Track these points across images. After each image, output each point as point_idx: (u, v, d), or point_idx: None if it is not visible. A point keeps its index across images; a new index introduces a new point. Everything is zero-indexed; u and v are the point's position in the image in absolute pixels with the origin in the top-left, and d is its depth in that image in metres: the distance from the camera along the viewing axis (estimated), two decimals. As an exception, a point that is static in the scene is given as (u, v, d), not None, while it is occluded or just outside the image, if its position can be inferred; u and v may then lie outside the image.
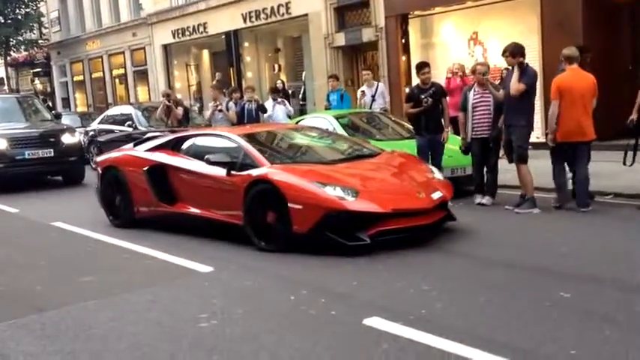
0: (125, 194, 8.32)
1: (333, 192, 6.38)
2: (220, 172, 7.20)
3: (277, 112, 12.97)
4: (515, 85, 7.91)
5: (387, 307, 4.73)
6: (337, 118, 10.75)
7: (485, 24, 14.60)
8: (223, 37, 21.57)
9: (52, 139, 13.08)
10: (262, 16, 19.81)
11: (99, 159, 9.31)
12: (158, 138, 8.81)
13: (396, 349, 4.01)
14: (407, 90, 11.16)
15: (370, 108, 12.60)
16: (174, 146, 8.25)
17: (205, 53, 24.32)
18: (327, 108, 13.27)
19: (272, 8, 19.39)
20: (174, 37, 23.72)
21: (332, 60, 17.82)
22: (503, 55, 8.34)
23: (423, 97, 8.94)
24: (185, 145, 8.18)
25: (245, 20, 20.38)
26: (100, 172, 8.84)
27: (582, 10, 12.29)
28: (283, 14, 19.15)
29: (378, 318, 4.48)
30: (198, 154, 7.81)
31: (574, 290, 4.90)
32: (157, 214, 8.02)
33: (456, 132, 11.06)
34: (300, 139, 8.42)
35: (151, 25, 24.59)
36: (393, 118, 11.75)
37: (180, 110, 13.60)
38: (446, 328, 4.26)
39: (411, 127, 9.80)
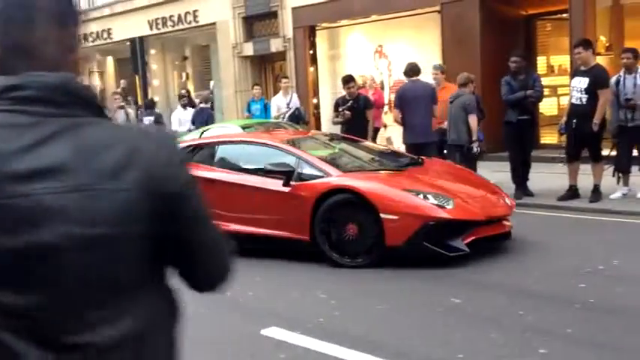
0: None
1: (428, 200, 5.96)
2: (271, 182, 6.38)
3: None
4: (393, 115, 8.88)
5: (285, 317, 4.79)
6: (243, 127, 10.74)
7: (390, 37, 14.98)
8: (128, 43, 21.09)
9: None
10: (169, 23, 19.53)
11: None
12: None
13: (294, 357, 4.06)
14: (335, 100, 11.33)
15: (285, 117, 12.29)
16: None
17: (110, 60, 23.72)
18: (249, 118, 13.01)
19: (179, 16, 19.16)
20: (77, 43, 23.01)
21: (240, 69, 17.78)
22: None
23: (340, 109, 9.23)
24: (207, 154, 7.22)
25: (151, 27, 20.03)
26: None
27: (480, 26, 12.79)
28: (191, 22, 18.96)
29: (276, 328, 4.53)
30: (231, 164, 6.98)
31: (464, 296, 5.11)
32: None
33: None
34: (335, 146, 7.67)
35: (53, 30, 23.78)
36: (300, 129, 11.80)
37: None
38: (342, 335, 4.36)
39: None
